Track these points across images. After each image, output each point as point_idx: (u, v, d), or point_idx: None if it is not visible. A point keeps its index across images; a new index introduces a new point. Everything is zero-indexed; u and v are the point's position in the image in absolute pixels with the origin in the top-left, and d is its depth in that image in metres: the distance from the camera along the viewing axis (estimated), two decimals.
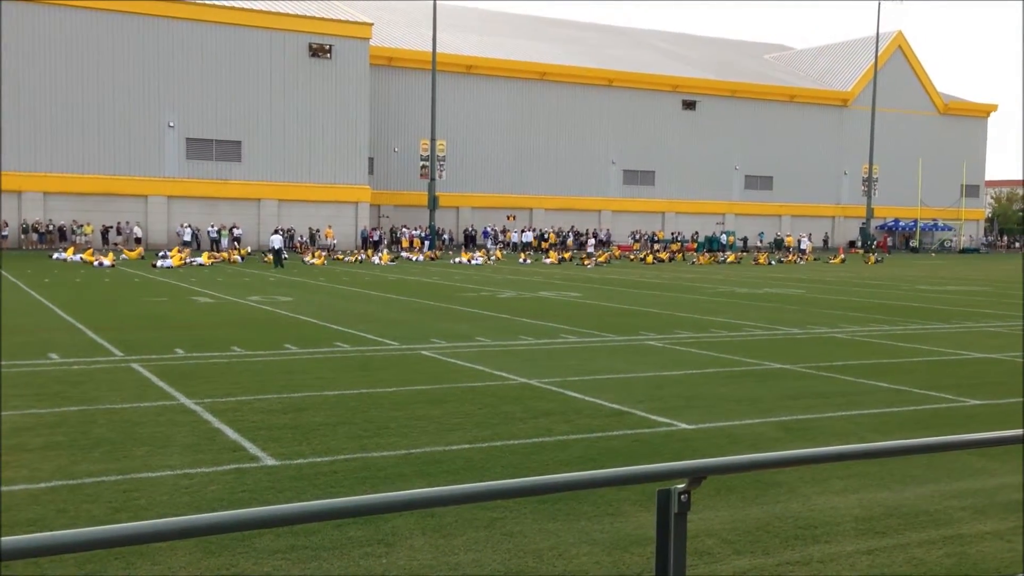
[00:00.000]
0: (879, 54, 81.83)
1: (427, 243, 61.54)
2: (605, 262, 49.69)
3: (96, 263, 39.29)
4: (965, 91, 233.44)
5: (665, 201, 77.13)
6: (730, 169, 79.84)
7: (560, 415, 9.91)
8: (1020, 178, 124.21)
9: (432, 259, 52.17)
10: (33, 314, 19.52)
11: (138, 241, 54.67)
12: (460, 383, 11.83)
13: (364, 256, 50.77)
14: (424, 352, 14.59)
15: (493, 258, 52.23)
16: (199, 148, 57.83)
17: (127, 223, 55.68)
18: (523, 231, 68.72)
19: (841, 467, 7.74)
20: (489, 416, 9.79)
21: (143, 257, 45.64)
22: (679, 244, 70.19)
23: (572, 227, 71.74)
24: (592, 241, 67.13)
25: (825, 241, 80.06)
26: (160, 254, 42.58)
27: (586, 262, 47.86)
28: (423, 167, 66.23)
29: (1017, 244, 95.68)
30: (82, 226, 54.34)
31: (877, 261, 56.95)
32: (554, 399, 10.84)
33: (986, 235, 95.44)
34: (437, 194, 63.50)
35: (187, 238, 54.87)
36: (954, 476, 7.73)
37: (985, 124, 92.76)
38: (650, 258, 53.30)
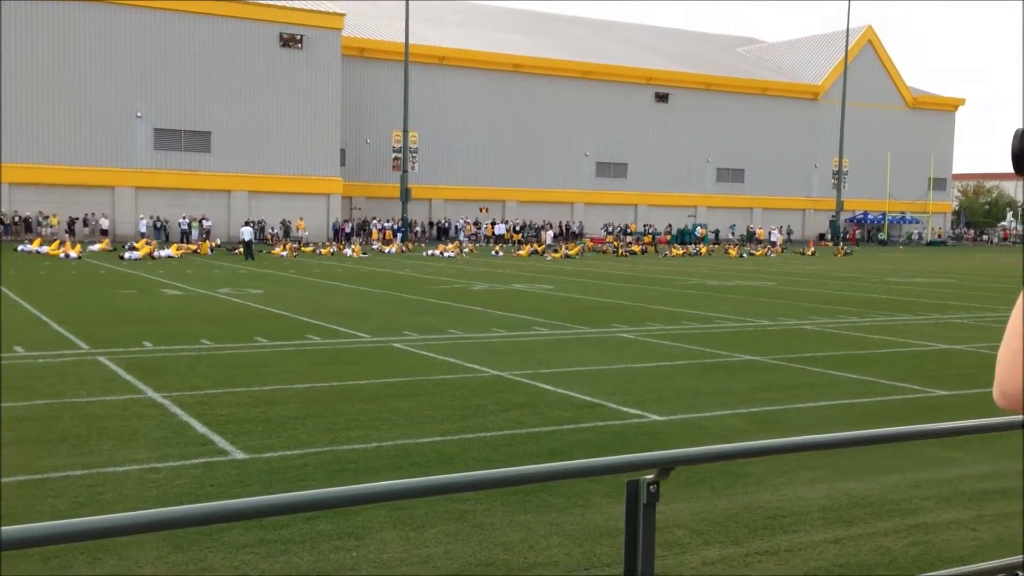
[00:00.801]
0: (849, 48, 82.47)
1: (399, 235, 61.34)
2: (577, 255, 49.76)
3: (62, 255, 38.81)
4: (933, 85, 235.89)
5: (638, 194, 77.33)
6: (702, 162, 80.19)
7: (531, 407, 9.92)
8: (987, 171, 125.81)
9: (404, 251, 52.01)
10: None
11: (104, 233, 53.97)
12: (432, 376, 11.81)
13: (336, 248, 50.52)
14: (396, 345, 14.55)
15: (466, 250, 52.16)
16: (168, 138, 57.23)
17: (93, 215, 55.00)
18: (495, 223, 68.57)
19: (809, 458, 7.81)
20: (460, 409, 9.79)
21: (113, 249, 45.12)
22: (651, 236, 70.42)
23: (544, 220, 71.79)
24: (550, 233, 66.39)
25: (789, 233, 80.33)
26: (127, 246, 42.13)
27: (542, 252, 47.89)
28: (395, 159, 65.98)
29: (985, 237, 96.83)
30: (48, 217, 53.63)
31: (846, 254, 57.46)
32: (526, 391, 10.85)
33: (953, 228, 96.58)
34: (409, 186, 63.27)
35: (143, 229, 54.00)
36: (919, 466, 7.82)
37: (953, 118, 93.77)
38: (622, 251, 53.45)
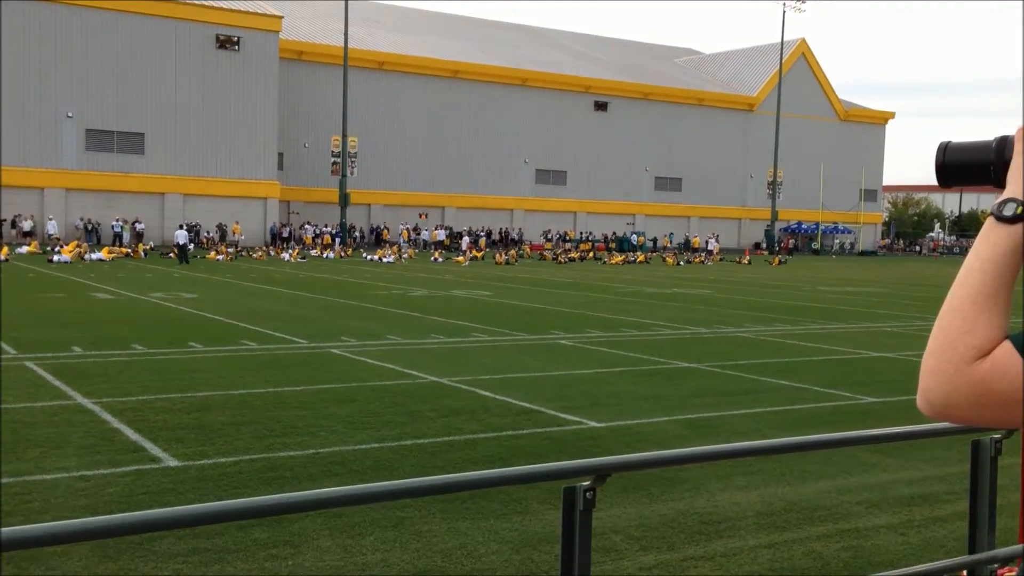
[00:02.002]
0: (783, 60, 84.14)
1: (338, 240, 60.83)
2: (514, 261, 49.89)
3: None
4: (865, 98, 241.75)
5: (577, 201, 77.83)
6: (640, 170, 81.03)
7: (470, 414, 9.90)
8: (916, 183, 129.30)
9: (343, 257, 51.58)
10: None
11: (27, 235, 52.37)
12: (369, 382, 11.72)
13: (273, 253, 49.89)
14: (333, 350, 14.41)
15: (405, 256, 51.94)
16: (100, 140, 55.97)
17: (20, 216, 53.49)
18: (437, 228, 68.30)
19: (743, 463, 7.93)
20: (398, 415, 9.73)
21: (42, 251, 43.94)
22: (590, 244, 70.91)
23: (484, 227, 71.84)
24: (467, 239, 65.69)
25: (686, 241, 79.93)
26: (55, 248, 41.08)
27: (459, 260, 47.97)
28: (334, 163, 65.44)
29: (918, 248, 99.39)
30: None
31: (781, 262, 58.54)
32: (464, 397, 10.83)
33: (883, 238, 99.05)
34: (348, 191, 62.79)
35: (51, 230, 52.42)
36: (850, 471, 7.99)
37: (883, 131, 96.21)
38: (562, 258, 53.71)
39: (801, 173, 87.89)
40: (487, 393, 11.09)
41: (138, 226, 55.75)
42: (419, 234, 68.11)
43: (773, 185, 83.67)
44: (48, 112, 54.22)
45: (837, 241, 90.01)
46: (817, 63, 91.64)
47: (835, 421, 10.18)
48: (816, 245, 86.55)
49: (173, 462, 7.63)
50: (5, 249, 40.63)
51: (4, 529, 2.54)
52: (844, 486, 7.58)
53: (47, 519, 6.10)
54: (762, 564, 5.83)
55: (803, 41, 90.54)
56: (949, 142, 1.39)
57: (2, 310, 18.18)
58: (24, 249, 44.44)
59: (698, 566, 5.76)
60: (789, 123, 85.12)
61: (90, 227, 54.80)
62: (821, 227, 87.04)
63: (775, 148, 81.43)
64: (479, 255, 53.99)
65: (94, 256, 39.66)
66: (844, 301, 27.96)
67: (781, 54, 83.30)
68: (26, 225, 53.07)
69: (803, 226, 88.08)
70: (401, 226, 68.09)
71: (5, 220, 52.94)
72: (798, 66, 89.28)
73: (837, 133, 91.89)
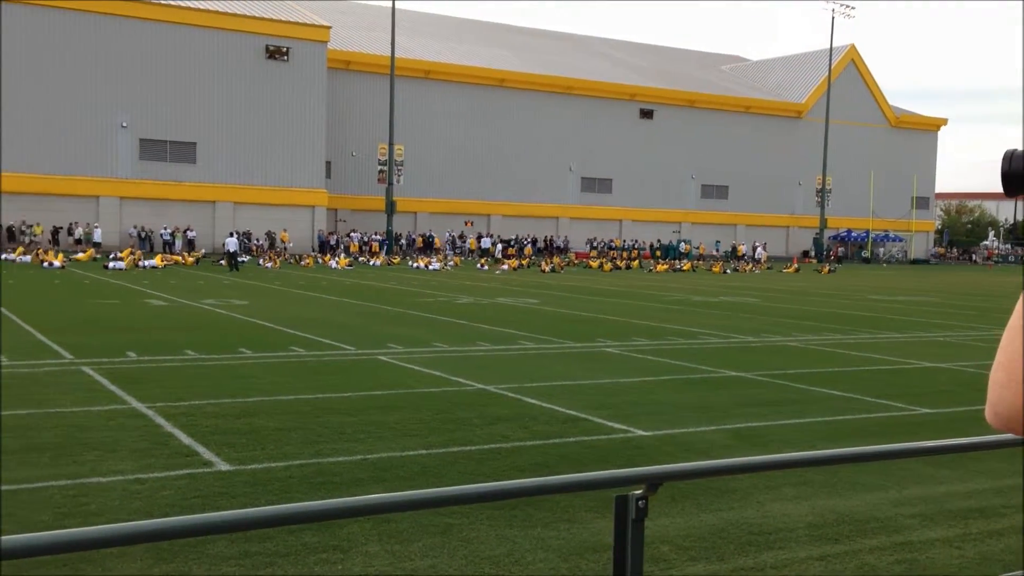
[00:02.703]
0: (832, 67, 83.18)
1: (384, 248, 61.29)
2: (560, 269, 49.84)
3: (45, 264, 38.56)
4: (916, 103, 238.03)
5: (622, 209, 77.59)
6: (686, 178, 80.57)
7: (516, 421, 9.91)
8: (969, 191, 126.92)
9: (390, 264, 51.96)
10: None
11: (78, 243, 53.51)
12: (416, 388, 11.78)
13: (321, 260, 50.43)
14: (380, 357, 14.51)
15: (450, 263, 52.16)
16: (153, 149, 57.04)
17: (76, 224, 54.69)
18: (480, 237, 68.57)
19: (793, 474, 7.84)
20: (444, 422, 9.77)
21: (95, 259, 44.86)
22: (636, 252, 70.61)
23: (529, 234, 71.93)
24: (500, 246, 65.78)
25: (733, 249, 79.04)
26: (111, 255, 41.90)
27: (485, 263, 48.04)
28: (381, 171, 65.95)
29: (972, 256, 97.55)
30: (31, 226, 53.29)
31: (831, 271, 57.79)
32: (510, 405, 10.83)
33: (935, 246, 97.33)
34: (395, 199, 63.25)
35: (96, 238, 53.54)
36: (904, 483, 7.86)
37: (935, 137, 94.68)
38: (607, 266, 53.56)
39: (851, 180, 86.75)
40: (533, 401, 11.09)
41: (189, 234, 56.69)
42: (464, 241, 68.42)
43: (822, 192, 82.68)
44: (103, 122, 55.40)
45: (888, 249, 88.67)
46: (867, 69, 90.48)
47: (887, 432, 10.02)
48: (866, 253, 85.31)
49: (225, 466, 7.74)
50: (61, 256, 41.55)
51: (65, 531, 2.60)
52: (897, 498, 7.45)
53: (103, 521, 6.22)
54: None
55: (852, 47, 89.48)
56: (1015, 150, 1.38)
57: (2, 316, 18.59)
58: (80, 256, 45.40)
59: None
60: (838, 130, 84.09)
61: (143, 235, 55.82)
62: (872, 235, 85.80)
63: (824, 155, 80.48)
64: (524, 263, 54.05)
65: (147, 263, 40.40)
66: (895, 310, 27.52)
67: (830, 60, 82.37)
68: (78, 233, 54.22)
69: (853, 234, 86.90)
70: (447, 234, 68.41)
71: (61, 228, 54.16)
72: (847, 72, 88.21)
73: (888, 140, 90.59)
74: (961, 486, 7.86)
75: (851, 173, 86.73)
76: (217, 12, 58.00)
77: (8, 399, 10.30)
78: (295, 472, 7.65)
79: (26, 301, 22.66)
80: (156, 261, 41.40)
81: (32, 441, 8.39)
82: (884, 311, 27.09)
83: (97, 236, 53.60)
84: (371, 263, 51.83)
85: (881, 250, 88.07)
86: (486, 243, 67.07)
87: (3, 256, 43.68)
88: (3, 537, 2.49)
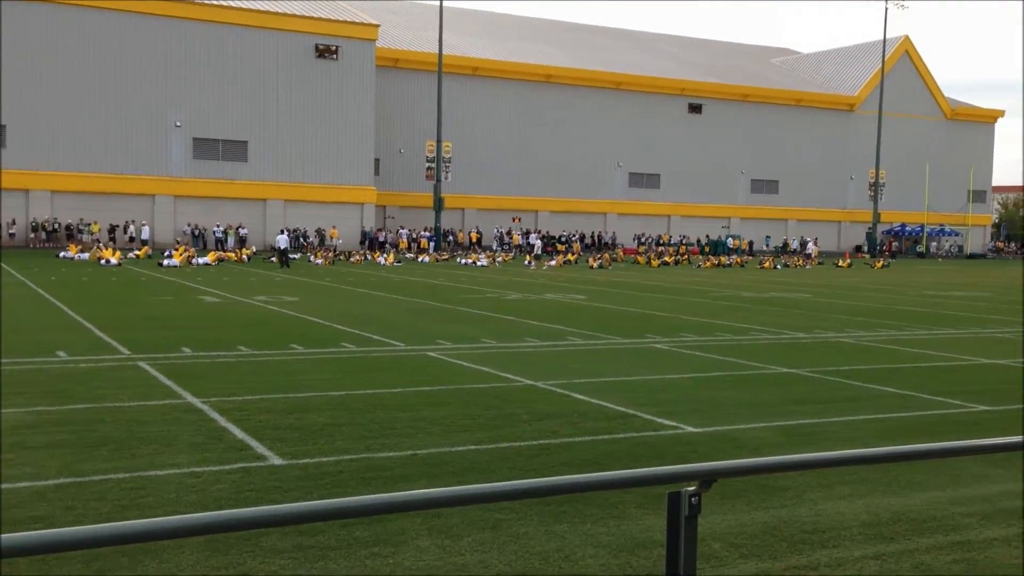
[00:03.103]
0: (886, 59, 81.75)
1: (432, 244, 61.60)
2: (607, 265, 49.67)
3: (103, 261, 39.38)
4: (971, 96, 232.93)
5: (670, 204, 77.11)
6: (736, 173, 79.80)
7: (565, 417, 9.90)
8: None
9: (438, 260, 52.21)
10: (41, 312, 19.58)
11: (131, 240, 54.55)
12: (465, 384, 11.83)
13: (370, 257, 50.84)
14: (429, 353, 14.59)
15: (499, 260, 52.27)
16: (206, 148, 57.95)
17: (132, 221, 55.78)
18: (528, 233, 68.60)
19: (847, 472, 7.73)
20: (494, 418, 9.79)
21: (150, 256, 45.72)
22: (684, 247, 70.12)
23: (577, 230, 71.82)
24: (538, 243, 65.77)
25: (802, 245, 78.14)
26: (166, 253, 42.66)
27: (532, 260, 47.99)
28: (429, 168, 66.28)
29: None
30: (89, 224, 54.46)
31: (884, 266, 56.86)
32: (559, 401, 10.83)
33: (992, 241, 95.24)
34: (443, 196, 63.54)
35: (144, 236, 54.51)
36: (960, 482, 7.71)
37: (992, 130, 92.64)
38: (655, 261, 53.28)
39: (905, 174, 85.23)
40: (582, 397, 11.07)
41: (241, 231, 57.52)
42: (511, 237, 68.50)
43: (875, 186, 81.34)
44: (158, 122, 56.40)
45: (943, 244, 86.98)
46: (921, 60, 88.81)
47: (943, 430, 9.84)
48: (921, 248, 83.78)
49: (277, 460, 7.85)
50: (118, 253, 42.41)
51: (129, 522, 2.66)
52: (954, 497, 7.32)
53: (160, 513, 6.35)
54: (869, 575, 5.67)
55: (907, 38, 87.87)
56: None
57: (2, 312, 18.97)
58: (135, 254, 46.31)
59: None
60: (892, 123, 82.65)
61: (196, 232, 56.76)
62: (926, 229, 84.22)
63: (877, 148, 79.16)
64: (572, 258, 53.96)
65: (200, 260, 41.07)
66: (951, 305, 27.00)
67: (883, 52, 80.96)
68: (131, 231, 55.24)
69: (907, 228, 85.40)
70: (495, 230, 68.56)
71: (118, 226, 55.28)
72: (901, 64, 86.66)
73: (943, 132, 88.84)
74: (1018, 485, 7.69)
75: (905, 166, 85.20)
76: (267, 12, 58.71)
77: (69, 394, 10.55)
78: (346, 467, 7.73)
79: (85, 299, 23.17)
80: (209, 258, 42.07)
81: (93, 435, 8.58)
82: (939, 306, 26.58)
83: (145, 234, 54.63)
84: (420, 260, 52.12)
85: (935, 244, 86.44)
86: (531, 239, 67.05)
87: (61, 254, 44.70)
88: (65, 528, 2.56)
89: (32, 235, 53.52)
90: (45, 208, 54.19)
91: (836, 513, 6.82)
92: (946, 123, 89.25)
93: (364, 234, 61.57)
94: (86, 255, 43.07)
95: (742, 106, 79.53)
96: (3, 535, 2.45)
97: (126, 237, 55.12)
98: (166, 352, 13.95)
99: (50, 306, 20.84)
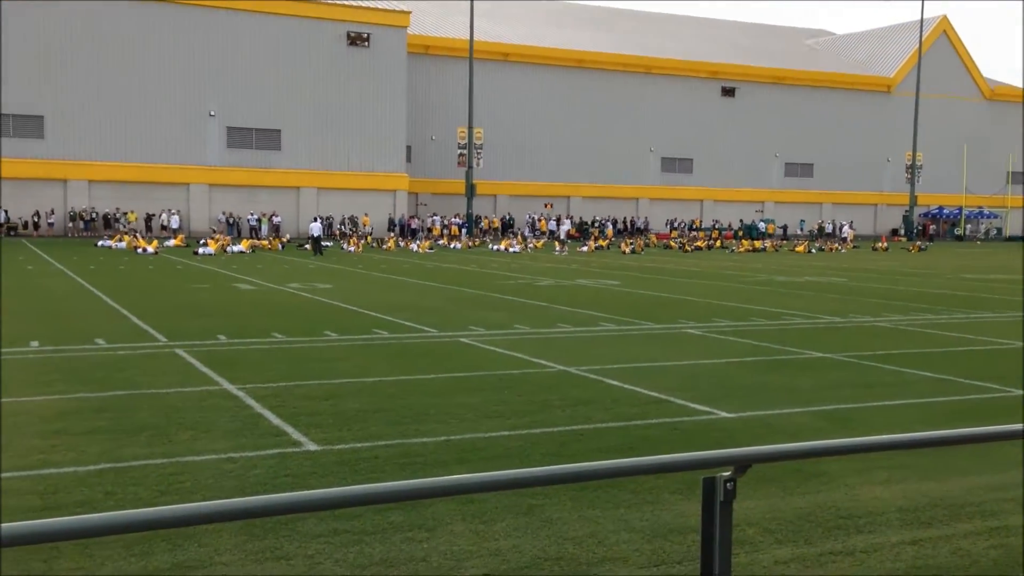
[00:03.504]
0: (923, 39, 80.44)
1: (464, 231, 61.67)
2: (640, 250, 49.47)
3: (139, 250, 39.86)
4: (1011, 76, 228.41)
5: (703, 189, 76.56)
6: (770, 156, 79.03)
7: (598, 403, 9.89)
8: None
9: (470, 247, 52.27)
10: (80, 300, 19.87)
11: (163, 229, 55.06)
12: (498, 371, 11.85)
13: (403, 244, 51.01)
14: (462, 340, 14.63)
15: (531, 246, 52.22)
16: (240, 137, 58.37)
17: (169, 211, 56.37)
18: (559, 219, 68.41)
19: (884, 457, 7.65)
20: (527, 404, 9.81)
21: (186, 244, 46.20)
22: (718, 232, 69.66)
23: (609, 216, 71.54)
24: (564, 228, 65.32)
25: (820, 228, 76.88)
26: (201, 241, 43.10)
27: (563, 247, 47.85)
28: (460, 155, 66.30)
29: None
30: (126, 214, 55.12)
31: (921, 249, 56.14)
32: (592, 387, 10.82)
33: None
34: (475, 182, 63.55)
35: (174, 224, 54.95)
36: (999, 467, 7.61)
37: None
38: (688, 246, 52.97)
39: (943, 156, 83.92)
40: (615, 383, 11.06)
41: (275, 219, 57.93)
42: (561, 224, 68.16)
43: (912, 169, 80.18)
44: (193, 112, 56.88)
45: (982, 226, 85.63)
46: (960, 40, 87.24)
47: (982, 415, 9.71)
48: (959, 231, 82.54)
49: (313, 446, 7.92)
50: (155, 242, 42.91)
51: (168, 507, 2.70)
52: (993, 483, 7.22)
53: (198, 499, 6.43)
54: (905, 561, 5.63)
55: (944, 18, 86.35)
56: None
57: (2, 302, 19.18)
58: (171, 242, 46.83)
59: (837, 561, 5.60)
60: (930, 104, 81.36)
61: (231, 221, 57.25)
62: (964, 212, 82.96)
63: (914, 130, 78.00)
64: (604, 244, 53.78)
65: (235, 248, 41.44)
66: (990, 289, 26.59)
67: (921, 32, 79.64)
68: (163, 219, 55.68)
69: (944, 211, 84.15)
70: (527, 216, 68.48)
71: (155, 215, 55.90)
72: (939, 44, 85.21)
73: (982, 113, 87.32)
74: None
75: (943, 148, 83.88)
76: (299, 0, 58.87)
77: (108, 381, 10.70)
78: (380, 453, 7.78)
79: (122, 287, 23.47)
80: (243, 246, 42.43)
81: (132, 421, 8.71)
82: (978, 290, 26.20)
83: (174, 223, 55.10)
84: (452, 246, 52.20)
85: (973, 227, 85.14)
86: (553, 226, 66.77)
87: (99, 243, 45.28)
88: (109, 513, 2.60)
89: (70, 224, 54.28)
90: (83, 198, 54.92)
91: (872, 498, 6.77)
92: (985, 104, 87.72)
93: (390, 221, 61.64)
94: (123, 244, 43.60)
95: (776, 89, 78.68)
96: (48, 520, 2.49)
97: (159, 226, 55.69)
98: (202, 339, 14.10)
99: (89, 295, 21.15)
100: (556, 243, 54.11)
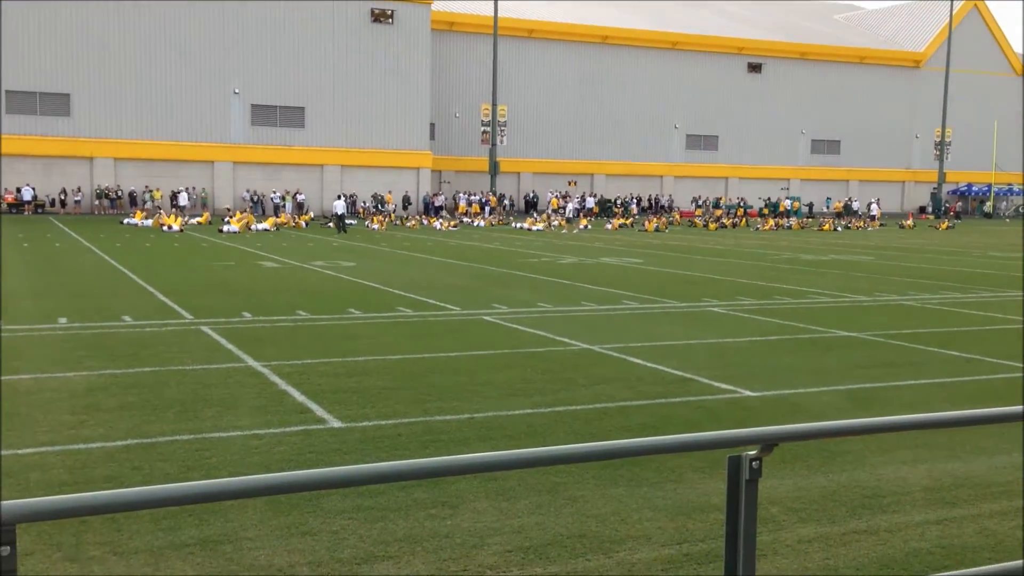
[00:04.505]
0: (954, 14, 79.15)
1: (488, 208, 61.60)
2: (664, 228, 49.24)
3: (165, 228, 40.14)
4: None
5: (729, 166, 75.95)
6: (796, 133, 78.24)
7: (622, 381, 9.89)
8: None
9: (493, 225, 52.23)
10: (107, 278, 20.06)
11: (180, 208, 55.22)
12: (521, 349, 11.86)
13: (426, 222, 51.05)
14: (486, 318, 14.65)
15: (554, 224, 52.11)
16: (264, 114, 58.48)
17: (192, 188, 56.66)
18: (567, 196, 67.78)
19: (909, 437, 7.61)
20: (551, 382, 9.82)
21: (210, 222, 46.47)
22: (742, 210, 69.15)
23: (632, 194, 71.18)
24: (571, 206, 64.38)
25: (845, 207, 76.02)
26: (224, 219, 43.33)
27: (563, 225, 47.58)
28: (484, 132, 66.11)
29: None
30: (152, 191, 55.46)
31: (949, 227, 55.51)
32: (616, 365, 10.82)
33: None
34: (498, 159, 63.38)
35: (183, 202, 55.03)
36: None
37: None
38: (712, 224, 52.66)
39: (972, 132, 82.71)
40: (638, 361, 11.04)
41: (299, 197, 58.11)
42: (567, 202, 67.95)
43: (941, 145, 79.14)
44: (217, 90, 57.01)
45: (1011, 204, 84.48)
46: (991, 15, 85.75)
47: (1009, 395, 9.63)
48: (988, 208, 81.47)
49: (337, 423, 7.97)
50: (180, 220, 43.18)
51: (194, 483, 2.73)
52: (1019, 462, 7.17)
53: (224, 475, 6.50)
54: (930, 540, 5.60)
55: None
56: None
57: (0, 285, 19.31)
58: (196, 220, 47.12)
59: (861, 540, 5.58)
60: (960, 79, 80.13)
61: (256, 199, 57.48)
62: (994, 189, 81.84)
63: (944, 106, 76.90)
64: (628, 222, 53.57)
65: (260, 226, 41.63)
66: (1018, 267, 26.27)
67: (951, 6, 78.33)
68: (182, 199, 55.66)
69: (974, 188, 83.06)
70: (550, 194, 68.25)
71: (180, 192, 56.21)
72: (970, 18, 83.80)
73: (1013, 89, 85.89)
74: None
75: (973, 125, 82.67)
76: None
77: (135, 358, 10.82)
78: (403, 430, 7.83)
79: (149, 265, 23.66)
80: (268, 224, 42.61)
81: (159, 398, 8.80)
82: (1007, 268, 25.89)
83: (183, 200, 55.12)
84: (475, 224, 52.20)
85: (1004, 204, 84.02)
86: (589, 203, 66.47)
87: (125, 221, 45.64)
88: (137, 488, 2.63)
89: (97, 202, 54.69)
90: (109, 176, 55.30)
91: (898, 478, 6.74)
92: (1016, 79, 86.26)
93: (404, 199, 61.36)
94: (149, 221, 43.91)
95: (803, 64, 77.76)
96: (78, 495, 2.53)
97: (188, 203, 55.97)
98: (227, 317, 14.21)
99: (116, 272, 21.34)
100: (562, 221, 53.71)
